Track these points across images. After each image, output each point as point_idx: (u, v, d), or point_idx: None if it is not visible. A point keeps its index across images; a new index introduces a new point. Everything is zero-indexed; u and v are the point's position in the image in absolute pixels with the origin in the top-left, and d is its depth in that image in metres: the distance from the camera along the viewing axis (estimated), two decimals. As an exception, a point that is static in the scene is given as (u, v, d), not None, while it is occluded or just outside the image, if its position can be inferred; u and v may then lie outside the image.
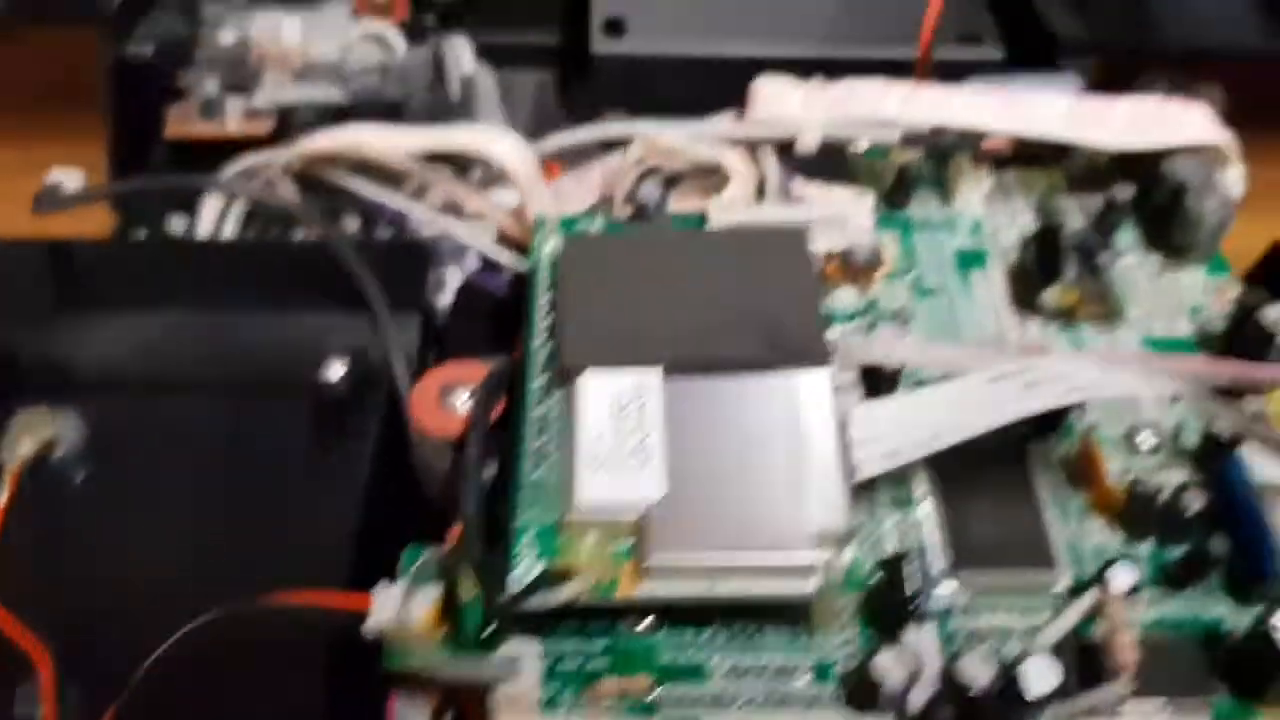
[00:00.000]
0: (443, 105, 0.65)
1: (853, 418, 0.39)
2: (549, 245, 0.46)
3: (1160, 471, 0.41)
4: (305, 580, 0.38)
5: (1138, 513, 0.39)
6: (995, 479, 0.41)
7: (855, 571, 0.35)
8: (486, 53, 0.74)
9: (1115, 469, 0.41)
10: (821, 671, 0.36)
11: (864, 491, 0.40)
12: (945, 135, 0.47)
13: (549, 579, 0.35)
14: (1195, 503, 0.38)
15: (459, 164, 0.54)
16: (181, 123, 0.65)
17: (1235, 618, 0.37)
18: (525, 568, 0.35)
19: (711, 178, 0.48)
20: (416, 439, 0.43)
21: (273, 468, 0.45)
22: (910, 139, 0.47)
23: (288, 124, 0.67)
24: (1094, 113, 0.47)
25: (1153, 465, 0.42)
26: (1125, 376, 0.37)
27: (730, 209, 0.46)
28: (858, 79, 0.48)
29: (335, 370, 0.47)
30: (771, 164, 0.46)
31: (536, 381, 0.40)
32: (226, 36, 0.73)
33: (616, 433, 0.37)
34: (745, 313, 0.40)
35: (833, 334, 0.42)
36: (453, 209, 0.54)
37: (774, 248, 0.42)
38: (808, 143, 0.47)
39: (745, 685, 0.36)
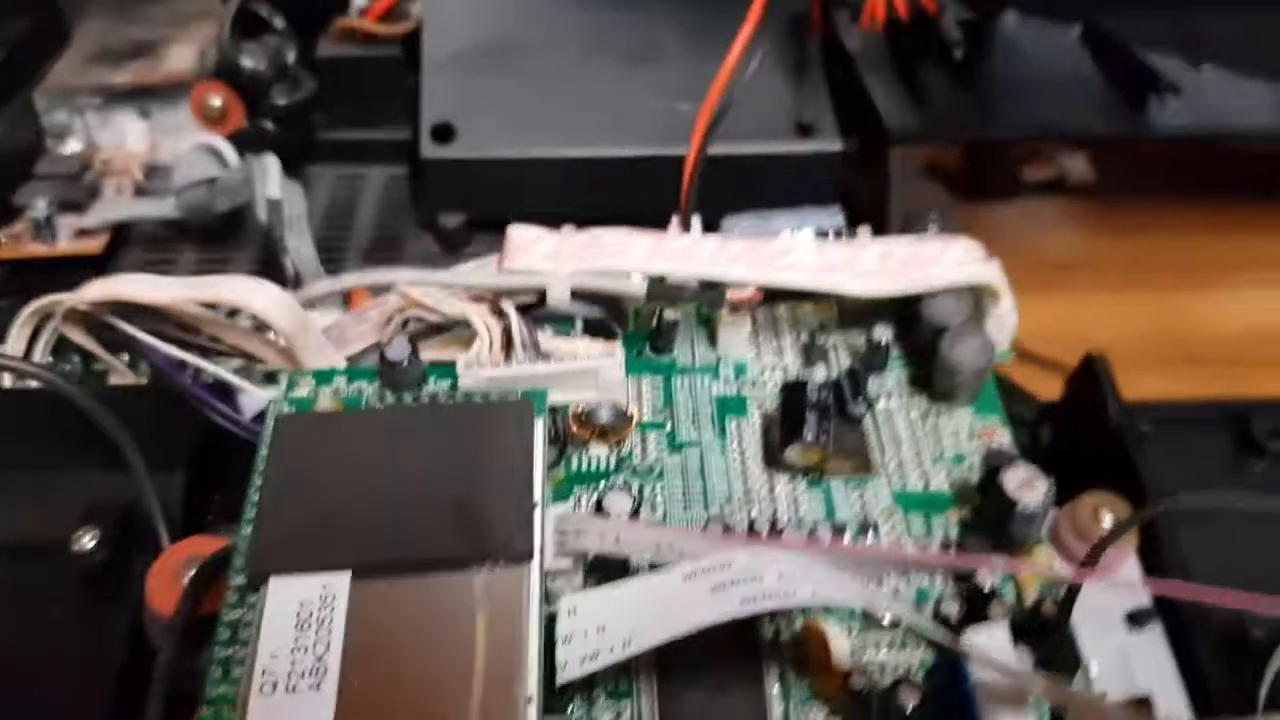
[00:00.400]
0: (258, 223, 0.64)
1: (560, 615, 0.38)
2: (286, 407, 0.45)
3: (897, 651, 0.40)
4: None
5: (855, 707, 0.38)
6: (721, 663, 0.39)
7: (535, 790, 0.34)
8: (338, 150, 0.74)
9: (843, 649, 0.40)
10: None
11: (580, 685, 0.39)
12: (686, 291, 0.46)
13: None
14: (911, 698, 0.37)
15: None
16: (14, 244, 0.65)
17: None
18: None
19: (469, 330, 0.47)
20: (148, 617, 0.42)
21: (20, 640, 0.44)
22: (655, 294, 0.46)
23: (124, 238, 0.67)
24: (845, 258, 0.46)
25: (888, 644, 0.40)
26: (809, 584, 0.36)
27: (476, 365, 0.44)
28: (604, 229, 0.47)
29: (87, 540, 0.46)
30: (515, 320, 0.45)
31: (237, 579, 0.39)
32: (72, 145, 0.73)
33: (295, 649, 0.36)
34: (450, 501, 0.38)
35: (557, 514, 0.41)
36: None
37: (497, 421, 0.41)
38: (557, 295, 0.46)
39: None
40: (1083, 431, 0.56)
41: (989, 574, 0.40)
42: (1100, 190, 0.77)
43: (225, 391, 0.51)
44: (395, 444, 0.40)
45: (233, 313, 0.53)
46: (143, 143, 0.72)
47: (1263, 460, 0.56)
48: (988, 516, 0.42)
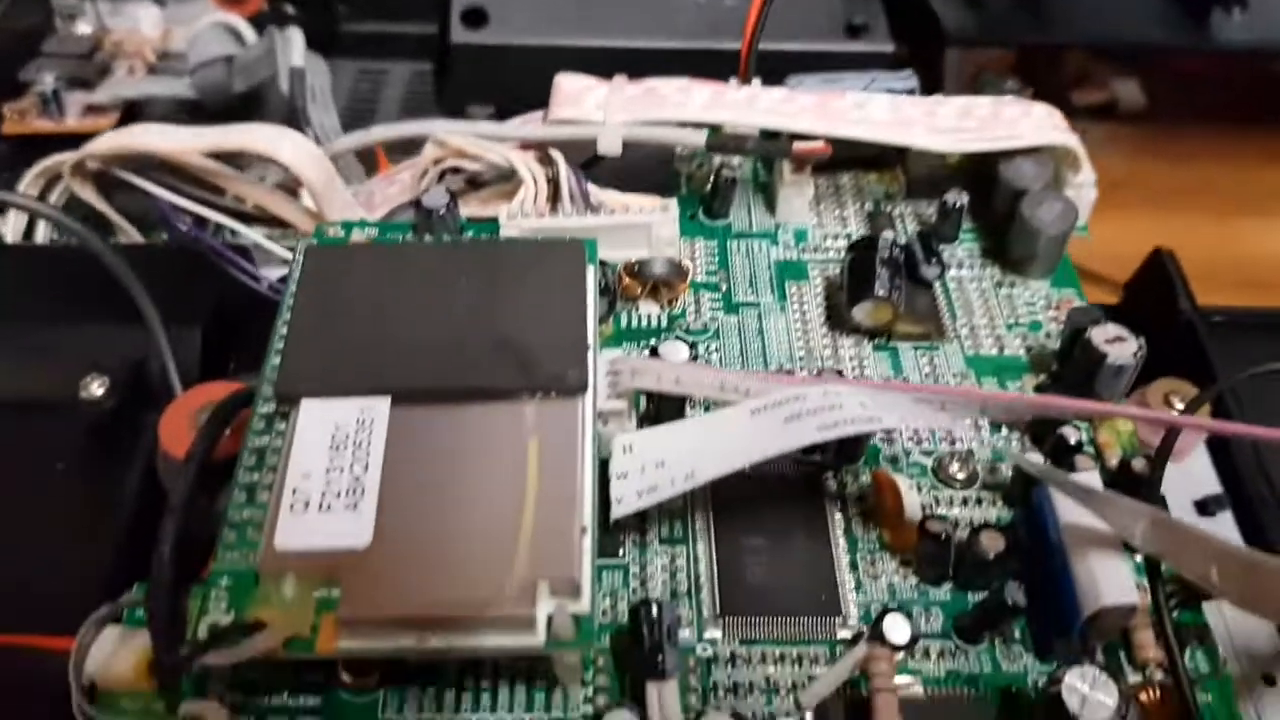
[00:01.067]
0: (280, 99, 0.61)
1: (613, 453, 0.35)
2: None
3: (971, 508, 0.37)
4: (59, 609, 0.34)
5: (931, 553, 0.35)
6: (781, 514, 0.37)
7: (588, 624, 0.31)
8: (361, 43, 0.71)
9: (915, 503, 0.37)
10: (557, 729, 0.32)
11: (633, 528, 0.37)
12: (749, 141, 0.43)
13: (238, 630, 0.30)
14: (995, 545, 0.34)
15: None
16: (20, 119, 0.62)
17: (1034, 675, 0.34)
18: (211, 618, 0.31)
19: (512, 181, 0.44)
20: (162, 463, 0.39)
21: (33, 487, 0.41)
22: (715, 144, 0.43)
23: (135, 118, 0.64)
24: (921, 113, 0.43)
25: (961, 501, 0.38)
26: (895, 410, 0.33)
27: (520, 216, 0.42)
28: (660, 78, 0.44)
29: (96, 388, 0.43)
30: (564, 169, 0.42)
31: (262, 409, 0.36)
32: (82, 27, 0.70)
33: (330, 469, 0.33)
34: (497, 335, 0.35)
35: (609, 357, 0.38)
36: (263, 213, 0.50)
37: (546, 260, 0.38)
38: (609, 145, 0.43)
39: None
40: (1148, 326, 0.53)
41: (1074, 430, 0.37)
42: (1152, 115, 0.74)
43: (246, 254, 0.48)
44: (435, 278, 0.37)
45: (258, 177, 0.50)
46: (156, 29, 0.69)
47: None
48: (1070, 380, 0.39)
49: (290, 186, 0.50)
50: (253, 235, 0.48)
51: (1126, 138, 0.75)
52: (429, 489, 0.32)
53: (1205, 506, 0.46)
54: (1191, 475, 0.48)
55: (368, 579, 0.31)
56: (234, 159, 0.49)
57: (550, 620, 0.31)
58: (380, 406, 0.34)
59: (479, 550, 0.31)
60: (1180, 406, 0.48)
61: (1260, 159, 0.72)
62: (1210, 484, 0.47)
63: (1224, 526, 0.46)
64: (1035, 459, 0.36)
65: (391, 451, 0.33)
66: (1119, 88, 0.75)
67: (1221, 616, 0.44)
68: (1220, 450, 0.48)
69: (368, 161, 0.55)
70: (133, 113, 0.64)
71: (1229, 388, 0.49)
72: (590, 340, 0.37)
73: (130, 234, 0.52)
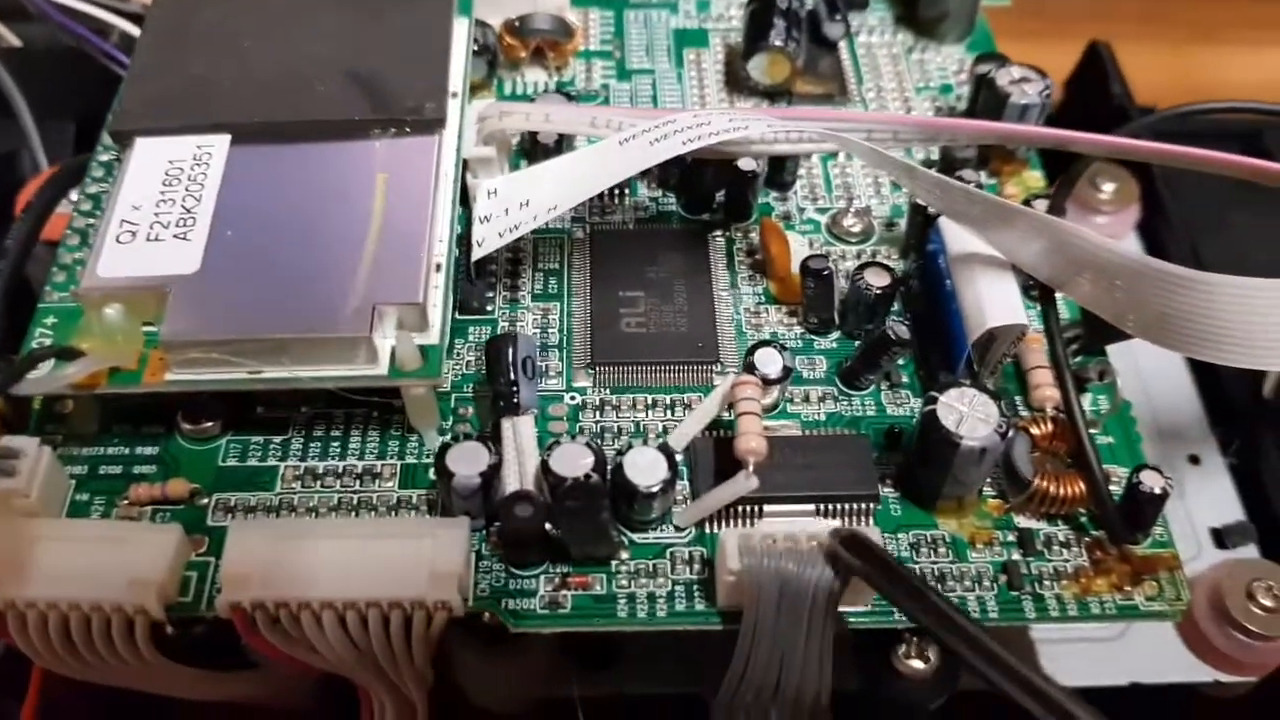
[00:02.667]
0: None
1: (477, 198, 0.33)
2: None
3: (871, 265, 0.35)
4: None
5: (814, 293, 0.33)
6: (663, 269, 0.34)
7: (435, 354, 0.29)
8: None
9: (803, 249, 0.35)
10: (409, 474, 0.30)
11: (505, 286, 0.34)
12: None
13: (61, 355, 0.28)
14: (880, 280, 0.32)
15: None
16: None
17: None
18: (34, 347, 0.29)
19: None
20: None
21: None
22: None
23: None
24: None
25: (855, 256, 0.35)
26: (763, 125, 0.30)
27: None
28: None
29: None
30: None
31: (102, 156, 0.33)
32: None
33: (162, 203, 0.30)
34: (352, 70, 0.33)
35: (478, 105, 0.35)
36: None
37: (410, 4, 0.35)
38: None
39: (320, 490, 0.30)
40: (1082, 122, 0.50)
41: (973, 173, 0.35)
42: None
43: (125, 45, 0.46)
44: (291, 17, 0.35)
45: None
46: None
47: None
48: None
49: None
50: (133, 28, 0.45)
51: (1081, -35, 0.72)
52: (268, 221, 0.30)
53: (1223, 538, 0.42)
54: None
55: (194, 303, 0.28)
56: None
57: (394, 351, 0.29)
58: (219, 143, 0.32)
59: (317, 277, 0.29)
60: (1108, 189, 0.46)
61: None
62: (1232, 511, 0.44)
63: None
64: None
65: (229, 185, 0.31)
66: None
67: (1145, 396, 0.43)
68: (1151, 235, 0.46)
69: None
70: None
71: (1163, 177, 0.46)
72: (455, 85, 0.34)
73: (7, 38, 0.49)
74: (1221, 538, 0.38)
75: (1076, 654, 0.36)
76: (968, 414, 0.28)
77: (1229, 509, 0.39)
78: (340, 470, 0.30)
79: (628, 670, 0.35)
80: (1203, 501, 0.39)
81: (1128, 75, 0.54)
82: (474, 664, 0.33)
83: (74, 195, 0.35)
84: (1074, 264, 0.29)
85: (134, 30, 0.45)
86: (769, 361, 0.30)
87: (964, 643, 0.24)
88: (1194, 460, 0.40)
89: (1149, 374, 0.42)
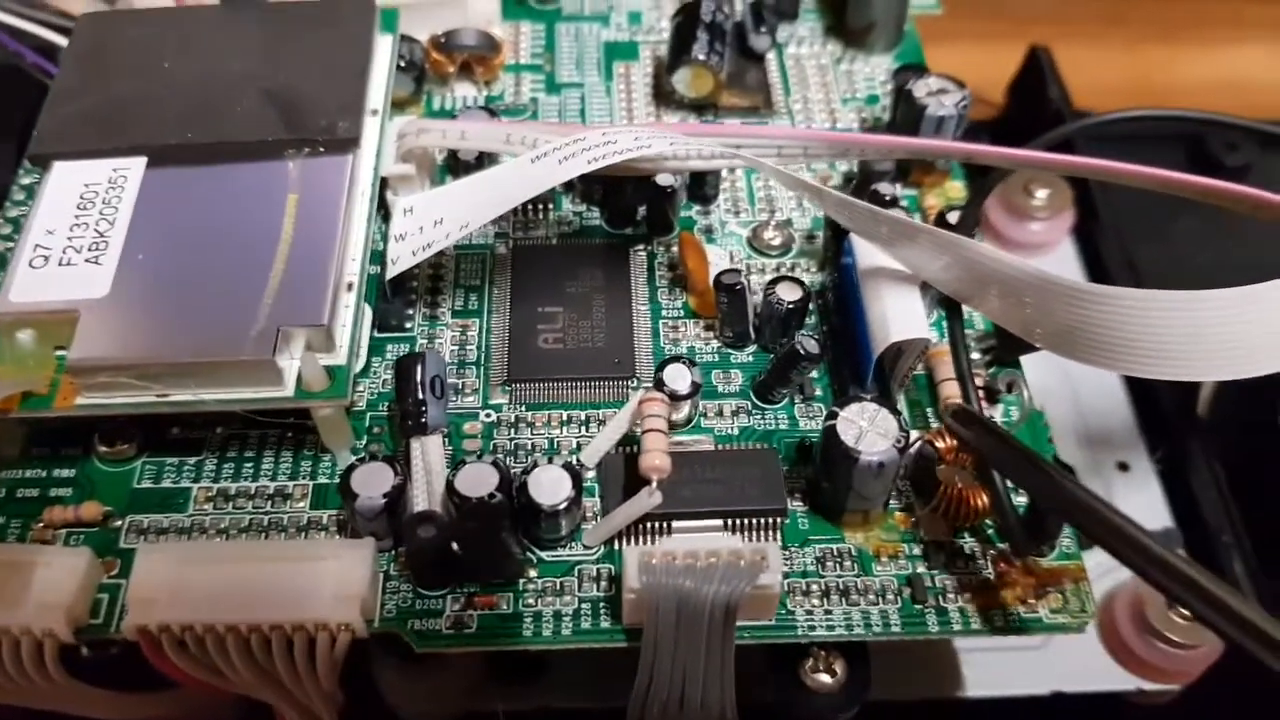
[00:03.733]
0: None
1: (393, 216, 0.33)
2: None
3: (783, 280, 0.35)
4: None
5: (728, 308, 0.33)
6: (583, 284, 0.35)
7: (342, 375, 0.29)
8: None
9: (722, 261, 0.35)
10: (320, 494, 0.31)
11: (424, 303, 0.35)
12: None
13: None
14: (791, 294, 0.32)
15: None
16: None
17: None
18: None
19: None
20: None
21: None
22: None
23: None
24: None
25: (774, 269, 0.36)
26: (667, 142, 0.30)
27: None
28: None
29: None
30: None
31: (23, 180, 0.34)
32: None
33: (75, 227, 0.31)
34: (269, 91, 0.33)
35: (399, 122, 0.35)
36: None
37: (329, 19, 0.36)
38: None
39: (232, 511, 0.30)
40: (1025, 133, 0.51)
41: (889, 186, 0.35)
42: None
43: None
44: (211, 40, 0.35)
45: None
46: None
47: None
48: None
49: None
50: (52, 35, 0.46)
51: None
52: (178, 246, 0.30)
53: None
54: (1057, 267, 0.45)
55: (101, 328, 0.29)
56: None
57: (300, 372, 0.29)
58: (135, 166, 0.32)
59: (223, 299, 0.29)
60: (1041, 196, 0.46)
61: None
62: (1074, 273, 0.45)
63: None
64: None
65: (142, 210, 0.31)
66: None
67: (1075, 405, 0.43)
68: (1086, 241, 0.46)
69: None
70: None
71: (1099, 187, 0.46)
72: (374, 105, 0.34)
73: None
74: (1148, 544, 0.38)
75: (1000, 663, 0.36)
76: (867, 429, 0.28)
77: (1156, 516, 0.39)
78: (252, 491, 0.30)
79: (553, 683, 0.35)
80: (1130, 508, 0.38)
81: (1083, 76, 0.54)
82: (395, 680, 0.33)
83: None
84: (979, 280, 0.29)
85: (58, 39, 0.46)
86: (678, 377, 0.31)
87: (1081, 513, 0.26)
88: (1123, 467, 0.40)
89: (1079, 379, 0.42)
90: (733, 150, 0.31)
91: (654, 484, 0.28)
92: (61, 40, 0.46)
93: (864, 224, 0.31)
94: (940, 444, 0.30)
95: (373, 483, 0.28)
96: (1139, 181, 0.31)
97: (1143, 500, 0.39)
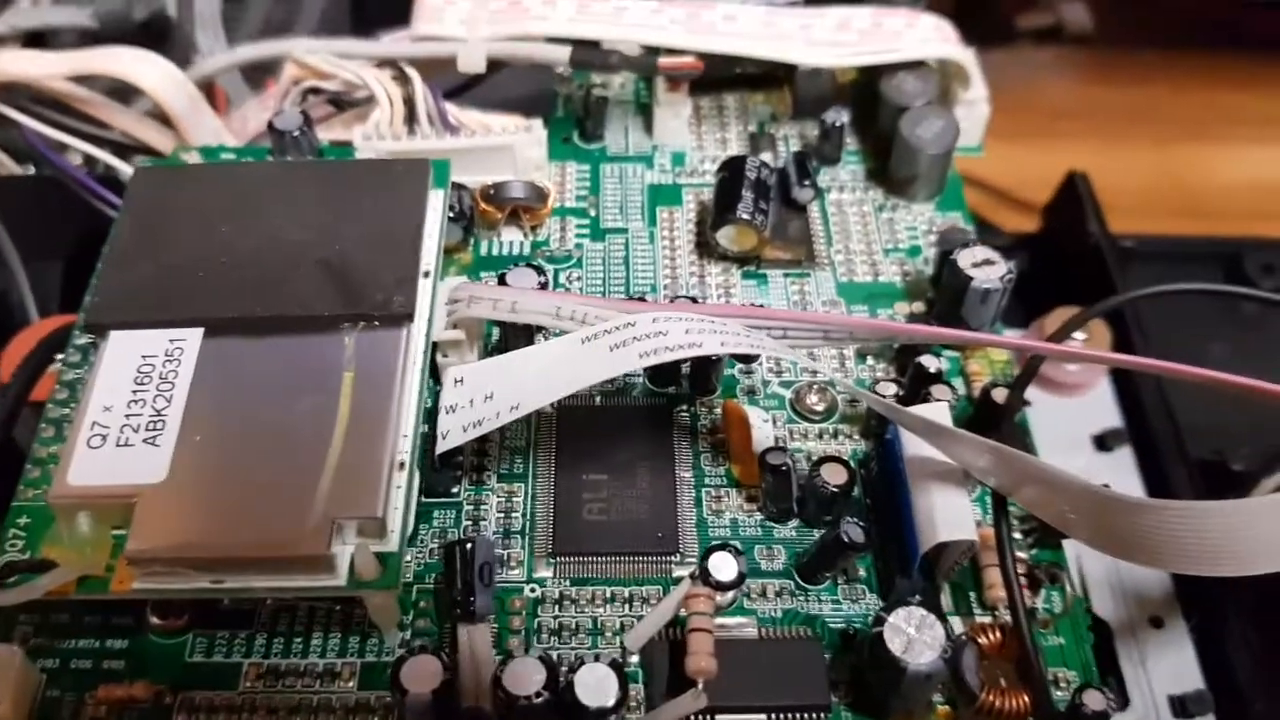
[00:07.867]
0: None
1: (444, 386, 0.34)
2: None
3: (826, 442, 0.36)
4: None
5: (773, 487, 0.33)
6: (628, 449, 0.35)
7: (394, 563, 0.29)
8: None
9: (767, 437, 0.35)
10: (369, 673, 0.31)
11: (470, 466, 0.35)
12: (614, 57, 0.40)
13: (28, 569, 0.29)
14: (836, 477, 0.33)
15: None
16: (-80, 53, 0.60)
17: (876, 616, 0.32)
18: (8, 557, 0.30)
19: (374, 102, 0.42)
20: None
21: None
22: (579, 61, 0.40)
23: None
24: (796, 25, 0.41)
25: (818, 434, 0.36)
26: (719, 337, 0.31)
27: (376, 138, 0.40)
28: (528, -10, 0.42)
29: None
30: (420, 87, 0.40)
31: (78, 341, 0.34)
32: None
33: (133, 404, 0.31)
34: (325, 261, 0.34)
35: (451, 284, 0.36)
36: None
37: (385, 181, 0.36)
38: (470, 62, 0.41)
39: (282, 690, 0.31)
40: (1060, 255, 0.51)
41: (934, 359, 0.35)
42: (1099, 40, 0.71)
43: (115, 182, 0.46)
44: (267, 200, 0.36)
45: (126, 97, 0.48)
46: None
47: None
48: (941, 305, 0.37)
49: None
50: (126, 167, 0.46)
51: (1072, 62, 0.72)
52: (235, 426, 0.31)
53: (1104, 441, 0.44)
54: (1092, 409, 0.46)
55: (159, 517, 0.29)
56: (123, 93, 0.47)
57: (353, 560, 0.29)
58: (192, 338, 0.33)
59: (278, 488, 0.30)
60: (1081, 337, 0.46)
61: (1206, 84, 0.69)
62: (1112, 418, 0.45)
63: (1122, 461, 0.44)
64: (888, 390, 0.35)
65: (199, 386, 0.31)
66: (1064, 11, 0.72)
67: (1112, 559, 0.43)
68: (1124, 384, 0.46)
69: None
70: (36, 44, 0.61)
71: (1133, 313, 0.47)
72: (425, 266, 0.35)
73: (5, 165, 0.50)
74: (1180, 706, 0.38)
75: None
76: (915, 638, 0.29)
77: (1189, 677, 0.39)
78: (301, 669, 0.31)
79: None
80: (1162, 667, 0.39)
81: (1113, 177, 0.55)
82: None
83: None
84: (1020, 479, 0.30)
85: (117, 163, 0.46)
86: (723, 567, 0.31)
87: None
88: (1156, 623, 0.40)
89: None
90: (784, 346, 0.32)
91: (700, 685, 0.28)
92: (103, 154, 0.47)
93: (903, 420, 0.31)
94: (984, 640, 0.31)
95: (422, 677, 0.29)
96: (1197, 380, 0.32)
97: (1175, 659, 0.39)
